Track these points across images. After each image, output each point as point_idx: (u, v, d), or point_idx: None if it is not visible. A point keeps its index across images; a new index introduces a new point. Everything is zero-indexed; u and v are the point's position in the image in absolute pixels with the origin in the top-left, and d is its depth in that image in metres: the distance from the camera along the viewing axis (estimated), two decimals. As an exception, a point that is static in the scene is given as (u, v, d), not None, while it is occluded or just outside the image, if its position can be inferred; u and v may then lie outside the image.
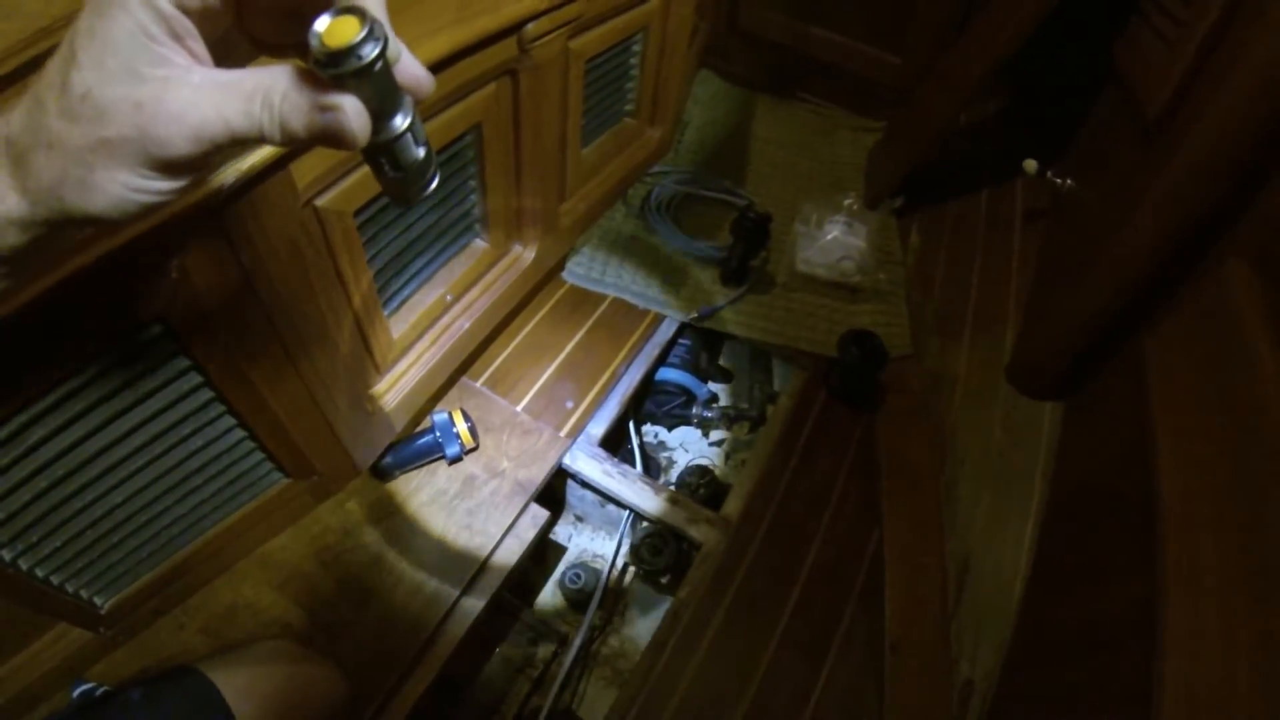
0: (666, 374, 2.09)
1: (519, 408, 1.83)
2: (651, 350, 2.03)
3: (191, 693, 1.11)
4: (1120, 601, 0.98)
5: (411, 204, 0.63)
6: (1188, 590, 0.83)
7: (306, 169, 1.06)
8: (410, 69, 0.52)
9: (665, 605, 1.72)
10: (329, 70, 0.46)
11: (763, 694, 1.51)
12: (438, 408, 1.70)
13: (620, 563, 1.91)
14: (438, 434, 1.65)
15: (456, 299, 1.63)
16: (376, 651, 1.45)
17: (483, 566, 1.58)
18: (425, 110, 1.25)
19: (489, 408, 1.81)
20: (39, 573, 1.10)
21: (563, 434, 1.80)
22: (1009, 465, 1.50)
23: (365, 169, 1.20)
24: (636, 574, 1.94)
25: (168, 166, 0.46)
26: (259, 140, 0.47)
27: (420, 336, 1.58)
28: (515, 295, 1.79)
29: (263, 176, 0.98)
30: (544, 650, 1.75)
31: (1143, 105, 1.31)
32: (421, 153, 0.56)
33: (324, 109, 0.47)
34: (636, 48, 1.91)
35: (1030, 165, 1.66)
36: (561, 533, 2.04)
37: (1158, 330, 1.14)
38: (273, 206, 1.03)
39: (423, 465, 1.69)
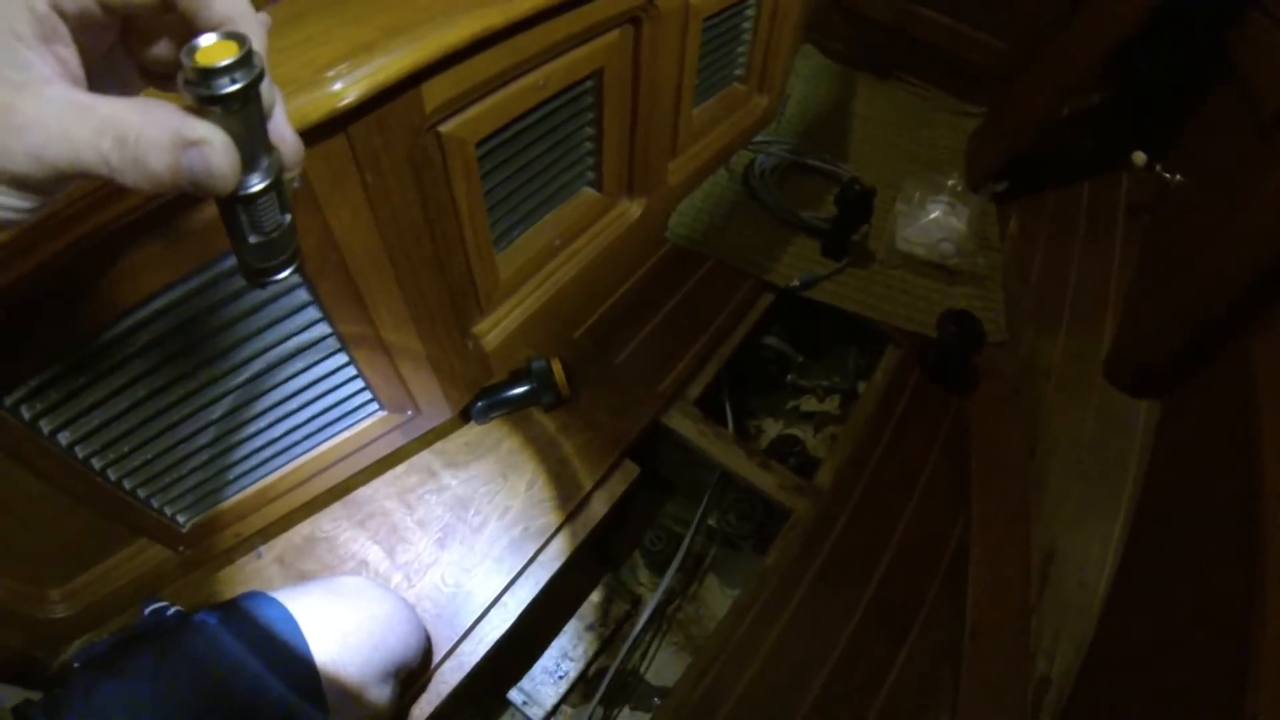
0: (764, 340, 2.05)
1: (618, 361, 1.78)
2: (751, 314, 1.97)
3: (272, 621, 1.08)
4: (1212, 609, 0.96)
5: (264, 280, 0.53)
6: None
7: (438, 90, 1.03)
8: (282, 128, 0.48)
9: (744, 577, 1.68)
10: (198, 90, 0.41)
11: (840, 669, 1.46)
12: (536, 355, 1.64)
13: (704, 526, 1.86)
14: (534, 380, 1.60)
15: (565, 244, 1.59)
16: (454, 595, 1.42)
17: (570, 517, 1.54)
18: (554, 47, 1.22)
19: (587, 358, 1.76)
20: (126, 484, 1.08)
21: (659, 389, 1.74)
22: (1100, 460, 1.46)
23: (495, 96, 1.17)
24: (717, 539, 1.90)
25: (11, 181, 0.40)
26: (109, 180, 0.41)
27: (526, 279, 1.55)
28: (621, 248, 1.75)
29: (393, 93, 0.95)
30: (617, 609, 1.72)
31: (1261, 100, 1.27)
32: (287, 219, 0.50)
33: (188, 144, 0.41)
34: (750, 11, 1.87)
35: (1139, 157, 1.61)
36: (645, 495, 1.98)
37: (1267, 332, 1.12)
38: (398, 126, 1.00)
39: (516, 411, 1.64)
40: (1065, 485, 1.55)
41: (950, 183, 2.14)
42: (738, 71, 2.02)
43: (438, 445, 1.58)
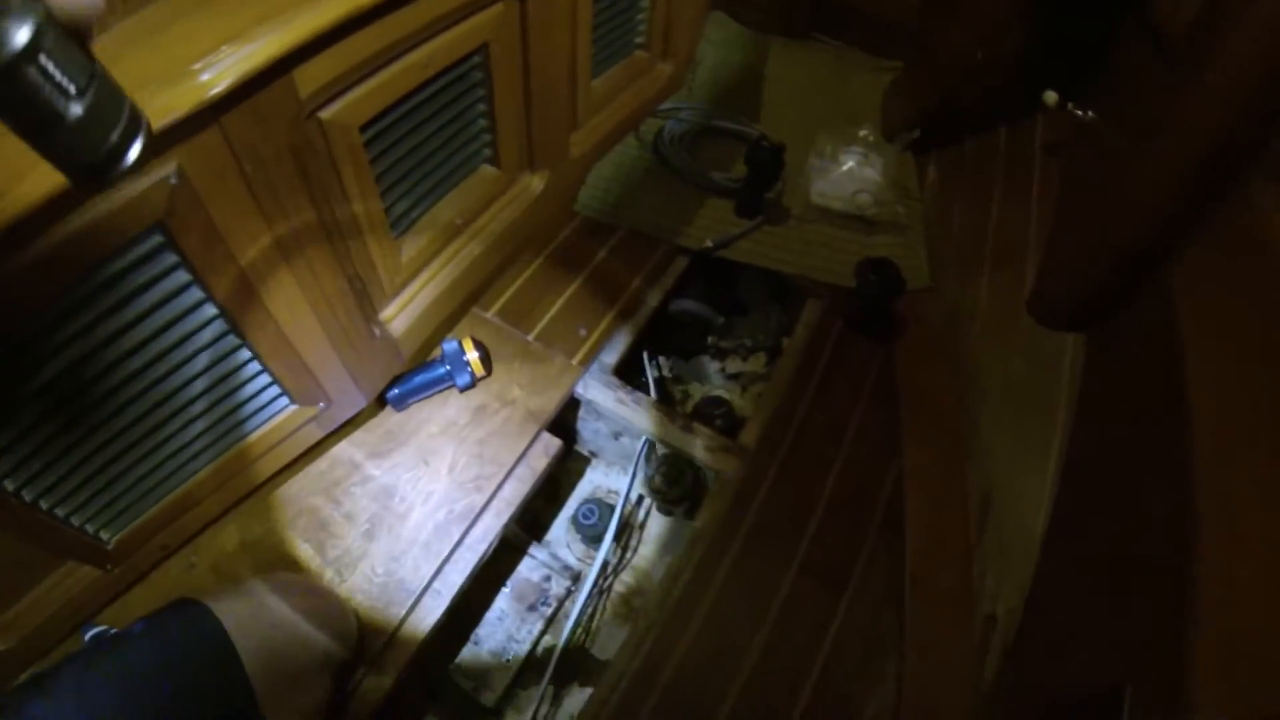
0: (683, 304, 2.07)
1: (530, 336, 1.79)
2: (666, 280, 1.99)
3: (194, 624, 1.07)
4: (1148, 540, 0.96)
5: (93, 183, 0.42)
6: (1224, 516, 0.81)
7: (312, 75, 1.03)
8: None
9: (681, 541, 1.69)
10: None
11: (781, 625, 1.48)
12: (448, 336, 1.65)
13: (635, 495, 1.87)
14: (448, 362, 1.61)
15: (466, 223, 1.59)
16: (385, 584, 1.43)
17: (494, 496, 1.55)
18: (434, 23, 1.21)
19: (500, 336, 1.77)
20: (43, 505, 1.07)
21: (575, 361, 1.76)
22: (1031, 397, 1.47)
23: (376, 78, 1.16)
24: (651, 505, 1.91)
25: None
26: None
27: (429, 260, 1.54)
28: (526, 223, 1.75)
29: (263, 81, 0.94)
30: (557, 587, 1.72)
31: (1164, 28, 1.26)
32: (77, 109, 0.39)
33: None
34: (644, -20, 1.86)
35: (1050, 97, 1.59)
36: (573, 470, 2.00)
37: (1185, 258, 1.10)
38: (274, 115, 1.00)
39: (433, 395, 1.65)
40: (998, 425, 1.57)
41: (862, 133, 2.16)
42: (638, 40, 2.02)
43: (357, 436, 1.59)
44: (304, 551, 1.45)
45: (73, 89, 0.38)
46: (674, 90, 2.27)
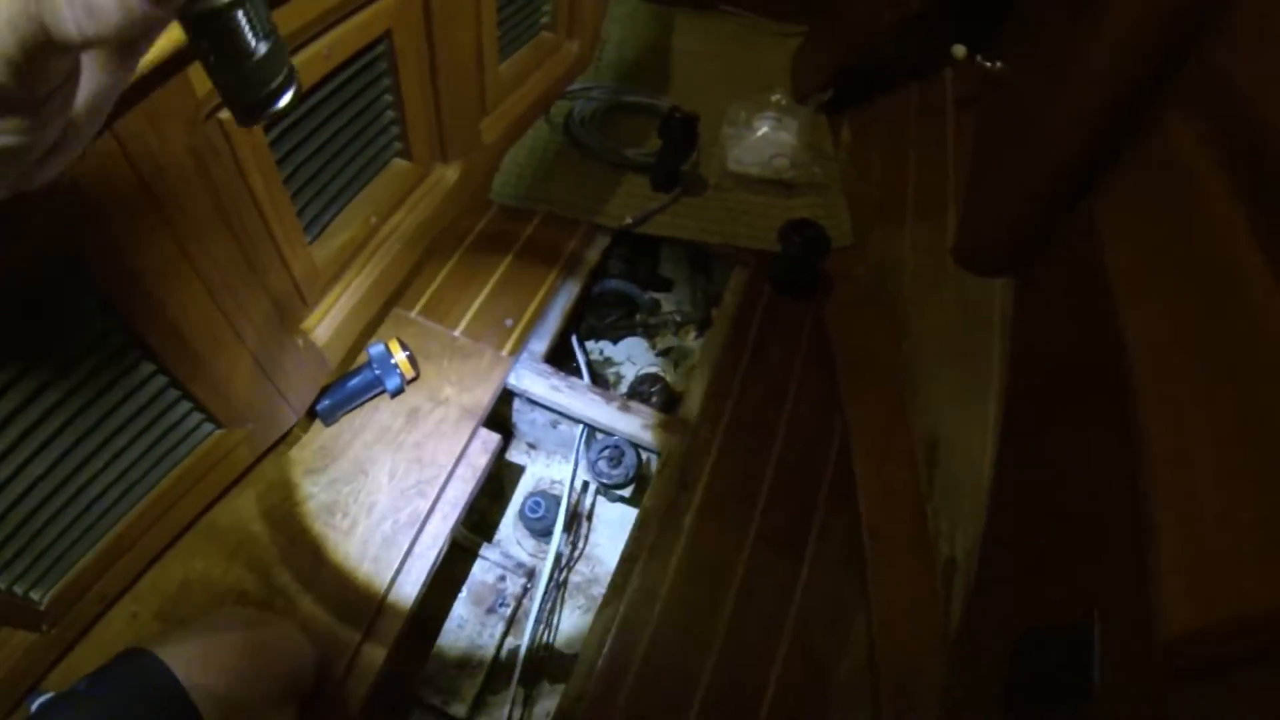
0: (607, 285, 2.03)
1: (456, 331, 1.73)
2: (588, 261, 1.95)
3: (140, 673, 0.99)
4: (1094, 463, 0.98)
5: (253, 117, 0.48)
6: (1173, 436, 0.82)
7: (203, 74, 0.94)
8: None
9: (631, 523, 1.64)
10: None
11: (744, 596, 1.47)
12: (373, 340, 1.58)
13: (579, 483, 1.82)
14: (375, 367, 1.54)
15: (382, 221, 1.51)
16: (339, 605, 1.36)
17: (438, 499, 1.49)
18: (331, 13, 1.14)
19: (426, 335, 1.71)
20: None
21: (505, 353, 1.70)
22: (966, 344, 1.48)
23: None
24: (597, 491, 1.87)
25: None
26: (47, 38, 0.34)
27: (347, 263, 1.47)
28: (442, 215, 1.68)
29: (155, 81, 0.87)
30: (513, 586, 1.67)
31: None
32: (263, 48, 0.44)
33: None
34: (544, -41, 1.80)
35: (959, 50, 1.61)
36: (514, 465, 1.95)
37: (1107, 193, 1.12)
38: (170, 117, 0.92)
39: (364, 403, 1.58)
40: (936, 373, 1.57)
41: (775, 98, 2.14)
42: (544, 20, 1.97)
43: (291, 454, 1.51)
44: (251, 581, 1.37)
45: (262, 32, 0.44)
46: (582, 69, 2.23)
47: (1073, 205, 1.21)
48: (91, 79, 0.41)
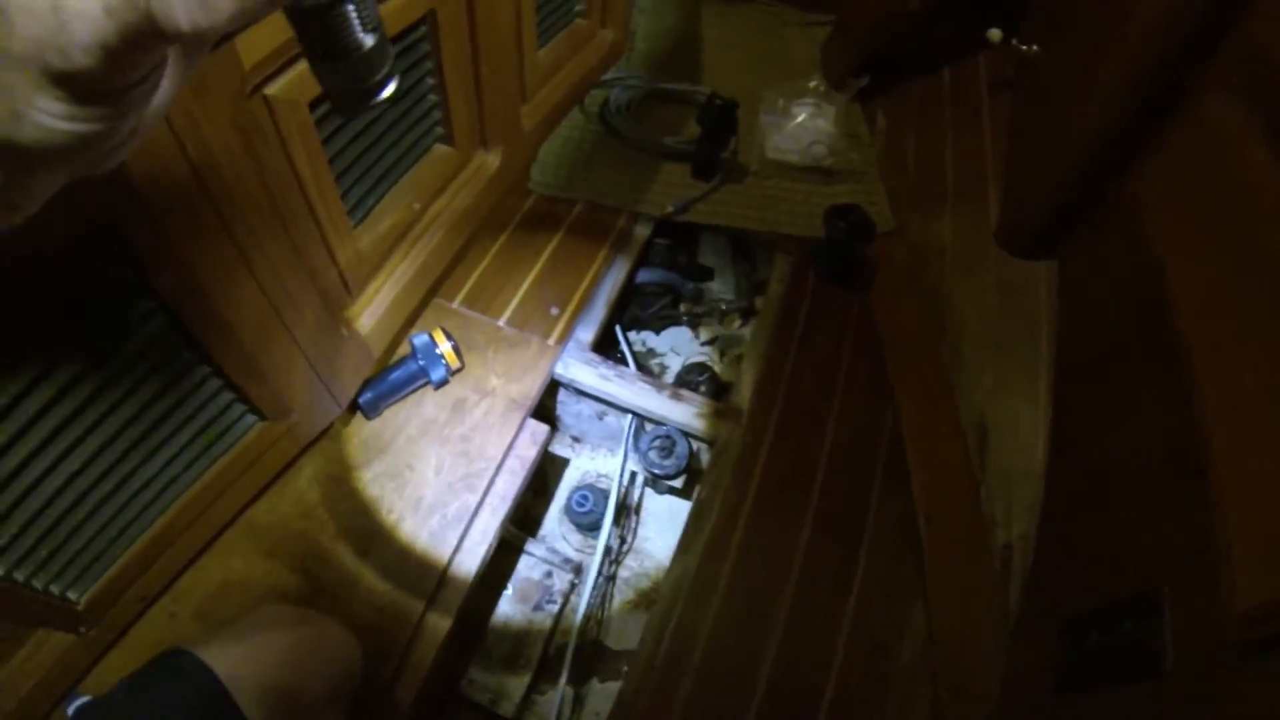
0: (648, 274, 1.98)
1: (501, 321, 1.67)
2: (630, 249, 1.89)
3: (182, 677, 0.93)
4: (1149, 441, 0.98)
5: (356, 109, 0.47)
6: (1231, 406, 0.82)
7: (253, 47, 0.90)
8: None
9: (682, 516, 1.60)
10: None
11: (803, 586, 1.43)
12: (415, 331, 1.53)
13: (628, 474, 1.76)
14: (420, 357, 1.48)
15: (425, 207, 1.46)
16: (385, 603, 1.30)
17: (487, 493, 1.43)
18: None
19: (470, 325, 1.65)
20: None
21: (551, 341, 1.65)
22: (1010, 327, 1.47)
23: None
24: (646, 483, 1.81)
25: (73, 85, 0.32)
26: (152, 28, 0.31)
27: (391, 250, 1.40)
28: (484, 203, 1.62)
29: None
30: (560, 582, 1.61)
31: None
32: (370, 40, 0.44)
33: None
34: (584, -56, 1.76)
35: (994, 34, 1.62)
36: (558, 459, 1.89)
37: (1146, 172, 1.14)
38: (218, 91, 0.86)
39: (408, 395, 1.52)
40: (981, 358, 1.53)
41: (812, 84, 2.10)
42: (579, 7, 1.92)
43: (334, 450, 1.45)
44: (293, 580, 1.31)
45: (370, 25, 0.43)
46: (616, 58, 2.16)
47: (1112, 185, 1.22)
48: (174, 70, 0.39)
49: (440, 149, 1.47)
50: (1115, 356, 1.13)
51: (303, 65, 1.00)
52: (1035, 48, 1.56)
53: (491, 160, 1.60)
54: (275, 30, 0.91)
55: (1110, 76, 1.15)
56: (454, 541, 1.37)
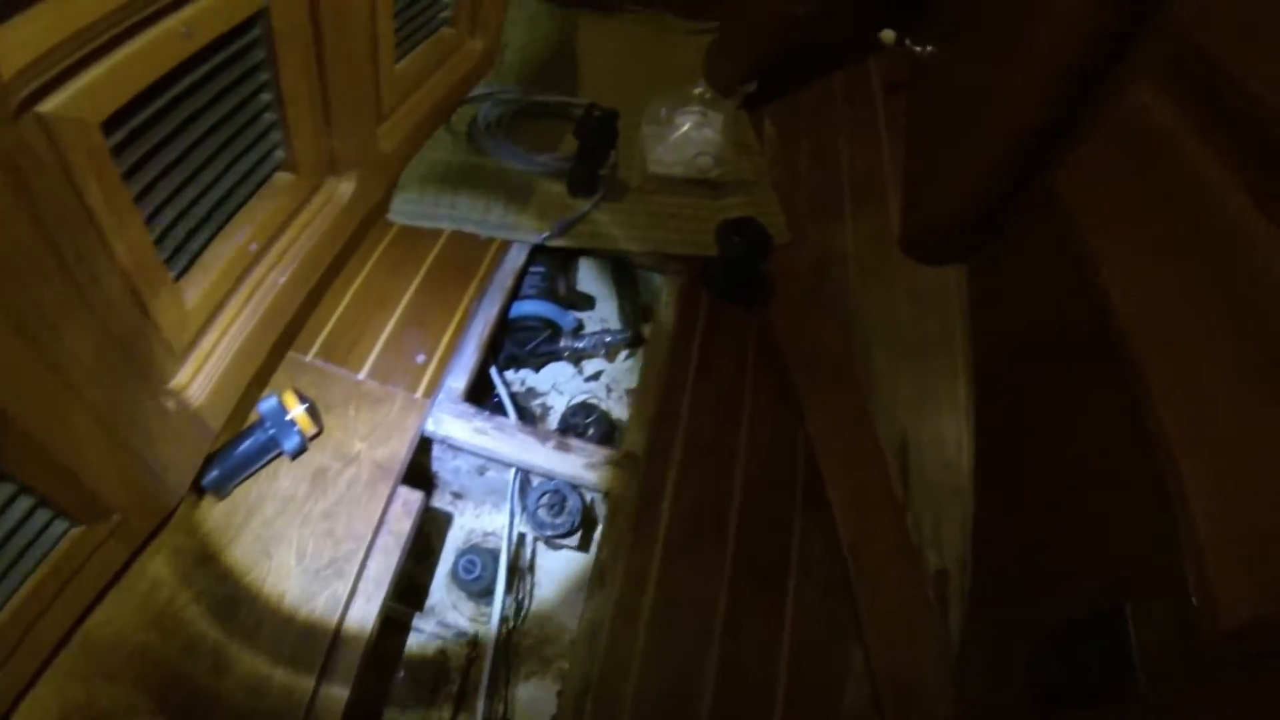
0: (524, 307, 1.77)
1: (362, 374, 1.45)
2: (503, 281, 1.69)
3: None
4: (1099, 442, 0.94)
5: None
6: (1185, 398, 0.79)
7: (17, 43, 0.68)
8: None
9: (582, 572, 1.49)
10: None
11: (730, 639, 1.28)
12: (265, 394, 1.30)
13: (516, 534, 1.55)
14: (269, 425, 1.24)
15: (264, 247, 1.23)
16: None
17: (359, 578, 1.21)
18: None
19: (327, 382, 1.42)
20: None
21: (419, 394, 1.44)
22: (924, 335, 1.44)
23: (119, 52, 0.82)
24: (537, 545, 1.60)
25: None
26: None
27: (224, 302, 1.18)
28: (337, 239, 1.41)
29: None
30: (456, 659, 1.41)
31: None
32: None
33: None
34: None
35: (888, 36, 1.61)
36: (440, 518, 1.67)
37: (1068, 165, 1.13)
38: None
39: (260, 468, 1.28)
40: (895, 370, 1.48)
41: (697, 91, 1.98)
42: (444, 14, 1.75)
43: (178, 541, 1.19)
44: (143, 704, 1.06)
45: None
46: (486, 70, 2.02)
47: (1027, 183, 1.22)
48: None
49: (282, 177, 1.26)
50: (1048, 359, 1.10)
51: (91, 73, 0.78)
52: (930, 49, 1.55)
53: (344, 187, 1.39)
54: (45, 26, 0.69)
55: (1026, 70, 1.14)
56: (326, 640, 1.14)
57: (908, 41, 1.57)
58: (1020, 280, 1.23)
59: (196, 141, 1.00)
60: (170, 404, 1.05)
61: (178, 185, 1.00)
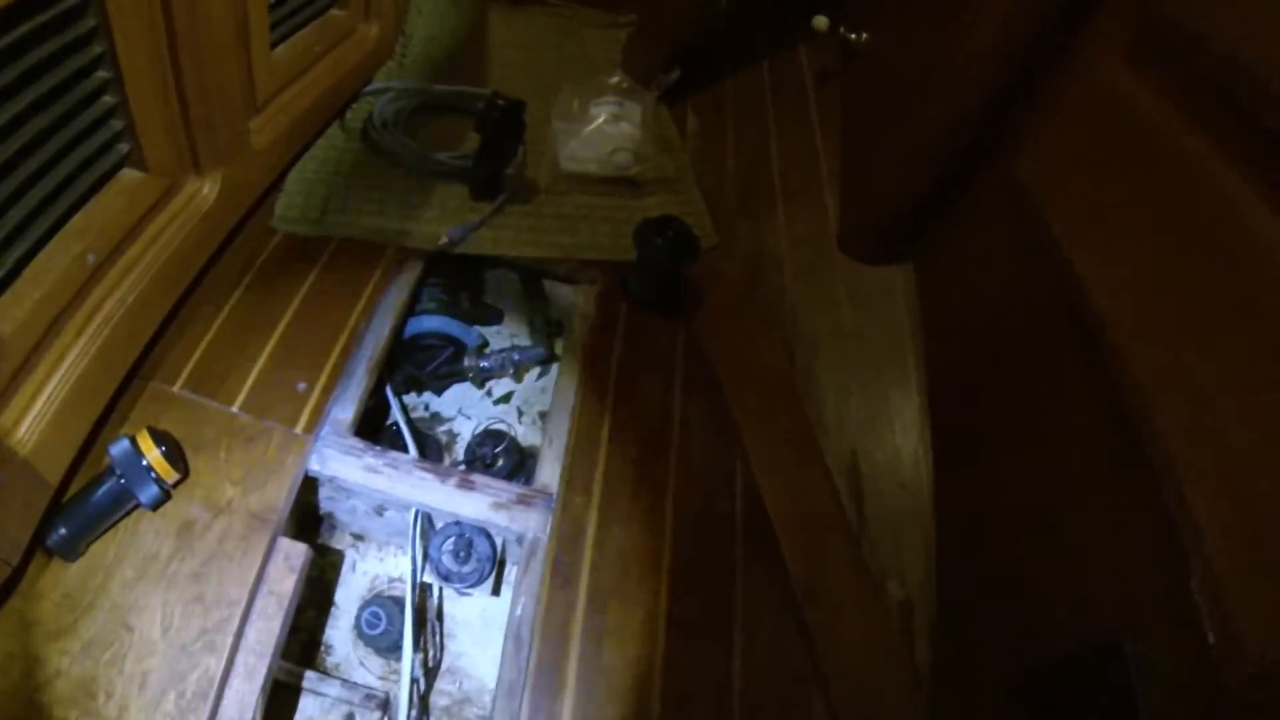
0: (422, 324, 1.60)
1: (234, 407, 1.24)
2: (397, 296, 1.51)
3: None
4: (1080, 451, 0.89)
5: None
6: (1179, 397, 0.72)
7: None
8: None
9: (497, 618, 1.34)
10: None
11: (672, 706, 1.10)
12: (117, 435, 1.08)
13: (420, 581, 1.36)
14: (120, 471, 1.03)
15: (105, 260, 1.02)
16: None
17: (235, 650, 1.01)
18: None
19: (195, 416, 1.21)
20: None
21: (300, 429, 1.24)
22: (870, 342, 1.39)
23: None
24: (443, 593, 1.43)
25: None
26: None
27: (54, 327, 0.96)
28: (199, 249, 1.21)
29: None
30: None
31: None
32: None
33: None
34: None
35: (820, 22, 1.59)
36: (336, 549, 1.47)
37: (1028, 151, 1.09)
38: None
39: (116, 523, 1.07)
40: (840, 381, 1.40)
41: (614, 80, 1.83)
42: None
43: (24, 612, 0.99)
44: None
45: None
46: (383, 59, 1.85)
47: (973, 170, 1.21)
48: None
49: (128, 175, 1.06)
50: (1012, 360, 1.06)
51: None
52: (865, 35, 1.51)
53: (206, 189, 1.19)
54: None
55: (971, 54, 1.12)
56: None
57: (841, 29, 1.53)
58: (976, 275, 1.18)
59: (5, 127, 0.80)
60: (-10, 453, 0.84)
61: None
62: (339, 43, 1.63)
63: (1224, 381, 0.69)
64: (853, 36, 1.53)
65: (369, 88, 1.87)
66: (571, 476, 1.30)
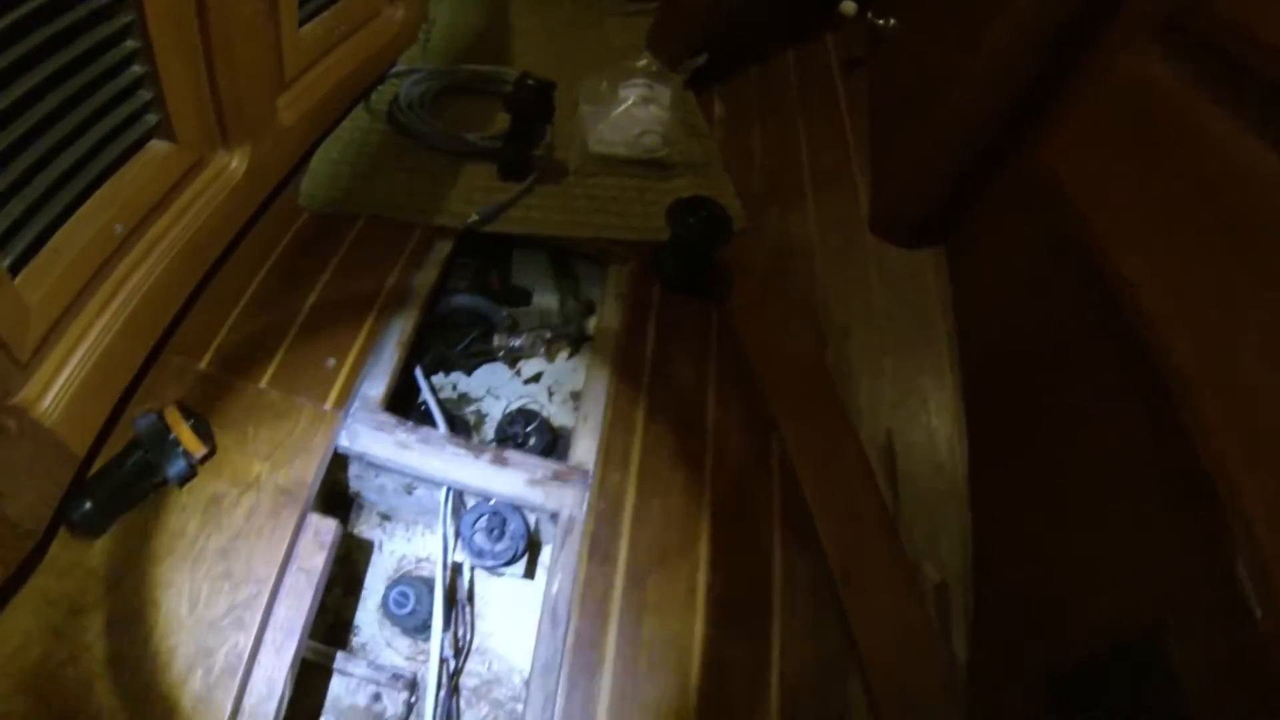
0: (452, 303, 1.58)
1: (263, 383, 1.22)
2: (427, 274, 1.49)
3: None
4: (1122, 441, 0.85)
5: None
6: (1225, 386, 0.70)
7: None
8: None
9: (530, 598, 1.30)
10: None
11: (711, 684, 1.09)
12: (144, 409, 1.07)
13: (451, 563, 1.34)
14: (146, 446, 1.01)
15: (134, 231, 1.00)
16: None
17: (264, 628, 0.99)
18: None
19: (224, 392, 1.19)
20: None
21: (329, 405, 1.21)
22: (902, 325, 1.35)
23: None
24: (475, 573, 1.39)
25: None
26: None
27: (80, 298, 0.95)
28: (227, 223, 1.20)
29: None
30: (393, 706, 1.20)
31: None
32: None
33: None
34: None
35: (848, 8, 1.58)
36: (367, 542, 1.43)
37: (1058, 140, 1.07)
38: None
39: (142, 499, 1.05)
40: (874, 364, 1.36)
41: (641, 63, 1.80)
42: None
43: (47, 588, 0.97)
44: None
45: None
46: (408, 42, 1.84)
47: (1005, 157, 1.19)
48: None
49: (156, 146, 1.05)
50: (1047, 344, 1.04)
51: None
52: (893, 21, 1.50)
53: (235, 162, 1.18)
54: None
55: (1002, 40, 1.11)
56: (229, 705, 0.93)
57: (869, 14, 1.52)
58: (1007, 261, 1.16)
59: (31, 90, 0.78)
60: (10, 423, 0.83)
61: (14, 151, 0.78)
62: (364, 24, 1.62)
63: (1268, 367, 0.68)
64: (880, 22, 1.51)
65: (393, 71, 1.85)
66: (607, 454, 1.28)
